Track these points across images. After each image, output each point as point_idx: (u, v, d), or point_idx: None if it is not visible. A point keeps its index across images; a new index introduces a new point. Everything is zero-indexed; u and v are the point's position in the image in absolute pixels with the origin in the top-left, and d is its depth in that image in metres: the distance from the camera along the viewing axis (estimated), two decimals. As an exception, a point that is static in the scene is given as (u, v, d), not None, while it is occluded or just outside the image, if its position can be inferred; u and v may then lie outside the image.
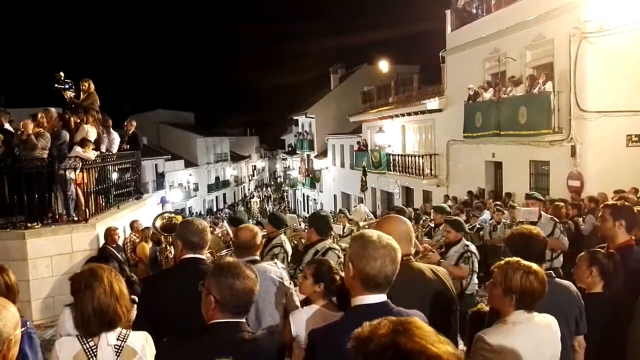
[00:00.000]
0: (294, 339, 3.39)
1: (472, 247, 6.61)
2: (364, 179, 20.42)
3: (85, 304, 2.64)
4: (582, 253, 4.25)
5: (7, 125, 9.90)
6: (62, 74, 10.99)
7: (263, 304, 3.89)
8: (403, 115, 25.45)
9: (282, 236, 6.39)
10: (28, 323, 3.32)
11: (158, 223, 7.48)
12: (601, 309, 3.82)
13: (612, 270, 4.00)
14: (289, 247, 6.31)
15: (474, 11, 19.77)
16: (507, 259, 3.12)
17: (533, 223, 6.98)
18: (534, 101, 14.83)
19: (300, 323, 3.37)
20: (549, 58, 15.28)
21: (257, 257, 4.23)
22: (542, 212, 7.62)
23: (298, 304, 4.00)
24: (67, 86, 11.00)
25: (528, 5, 15.76)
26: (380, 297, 2.50)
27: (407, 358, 1.45)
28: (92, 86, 11.55)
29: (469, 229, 11.98)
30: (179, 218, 7.86)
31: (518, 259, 3.06)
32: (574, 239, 9.45)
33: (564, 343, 3.21)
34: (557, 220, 7.51)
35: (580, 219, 9.92)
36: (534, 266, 2.99)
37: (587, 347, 3.73)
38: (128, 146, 13.24)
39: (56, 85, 10.86)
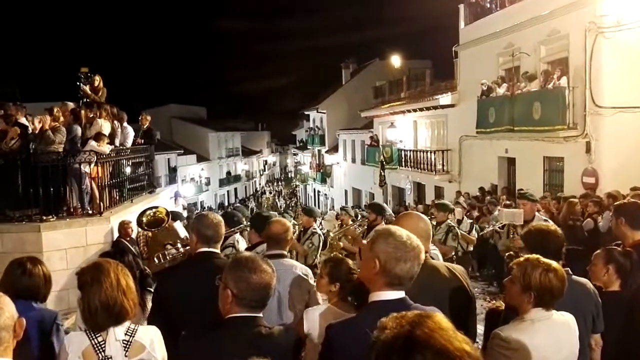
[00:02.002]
0: (306, 336, 3.39)
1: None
2: (382, 173, 20.33)
3: (92, 298, 2.64)
4: (598, 250, 4.22)
5: (22, 120, 9.98)
6: (87, 69, 11.16)
7: (287, 298, 3.90)
8: (415, 110, 25.33)
9: (237, 235, 6.28)
10: (58, 316, 3.40)
11: (144, 220, 7.50)
12: (618, 307, 3.78)
13: (629, 269, 3.97)
14: (242, 246, 6.23)
15: (488, 5, 19.62)
16: (526, 255, 3.10)
17: (526, 224, 6.42)
18: (548, 97, 14.69)
19: (313, 320, 3.37)
20: (564, 53, 15.13)
21: (285, 252, 4.23)
22: (536, 213, 6.92)
23: (320, 301, 4.00)
24: (88, 80, 11.19)
25: (543, 0, 15.63)
26: (400, 294, 2.50)
27: (416, 348, 1.46)
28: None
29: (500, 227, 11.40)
30: (162, 211, 7.92)
31: (537, 256, 3.03)
32: (591, 236, 9.39)
33: (580, 341, 3.18)
34: (552, 222, 6.53)
35: (600, 217, 9.80)
36: (554, 264, 2.97)
37: (604, 346, 3.70)
38: (142, 140, 13.30)
39: (82, 80, 11.05)
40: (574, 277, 3.65)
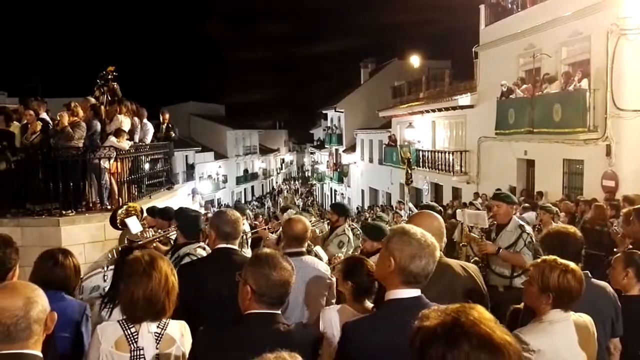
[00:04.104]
0: (322, 335, 3.39)
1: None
2: (409, 171, 20.41)
3: (137, 289, 2.66)
4: (618, 254, 4.18)
5: (44, 115, 10.10)
6: (113, 68, 11.34)
7: (310, 294, 3.91)
8: (434, 110, 25.26)
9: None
10: (87, 307, 3.48)
11: (117, 219, 7.45)
12: (638, 311, 3.74)
13: (649, 273, 3.92)
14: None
15: (509, 6, 19.48)
16: (543, 257, 3.09)
17: (500, 228, 5.81)
18: (569, 99, 14.58)
19: (328, 320, 3.37)
20: (585, 55, 14.99)
21: (304, 249, 4.25)
22: (513, 217, 6.08)
23: None
24: (115, 78, 11.40)
25: (565, 1, 15.47)
26: (416, 292, 2.51)
27: (462, 335, 1.52)
28: None
29: None
30: (135, 206, 7.93)
31: (555, 257, 3.02)
32: (609, 240, 9.27)
33: (599, 345, 3.16)
34: (525, 230, 5.77)
35: (616, 220, 9.67)
36: (572, 265, 2.95)
37: (623, 350, 3.66)
38: (166, 136, 13.49)
39: (109, 77, 11.22)
40: (593, 280, 3.62)
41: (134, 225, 6.73)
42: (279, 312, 2.66)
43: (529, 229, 5.85)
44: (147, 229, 6.75)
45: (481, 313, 1.60)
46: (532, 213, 11.79)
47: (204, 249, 4.84)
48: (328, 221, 7.78)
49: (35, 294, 2.17)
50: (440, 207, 9.49)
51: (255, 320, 2.59)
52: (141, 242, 5.98)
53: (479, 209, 11.36)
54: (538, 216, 9.89)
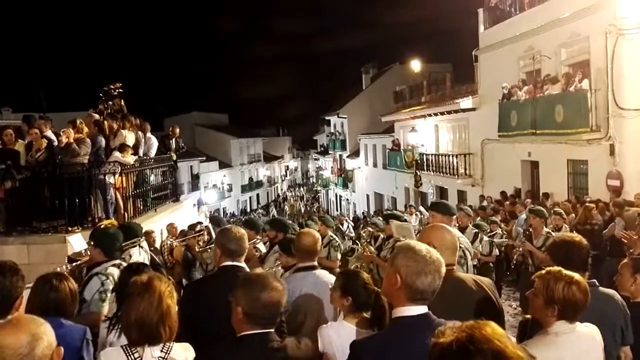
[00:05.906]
0: (322, 354, 3.33)
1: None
2: (417, 173, 20.40)
3: (130, 312, 2.66)
4: (625, 260, 4.15)
5: (48, 133, 10.14)
6: (119, 84, 11.43)
7: (325, 310, 3.87)
8: (436, 114, 25.27)
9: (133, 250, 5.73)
10: (87, 331, 3.42)
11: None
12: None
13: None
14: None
15: (507, 9, 19.51)
16: (548, 268, 3.08)
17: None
18: (570, 99, 14.58)
19: (327, 338, 3.33)
20: (584, 55, 15.00)
21: (316, 263, 4.19)
22: (469, 225, 5.48)
23: None
24: (120, 95, 11.48)
25: (563, 2, 15.50)
26: (422, 309, 2.51)
27: (476, 351, 1.58)
28: None
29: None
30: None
31: (559, 268, 3.00)
32: (599, 239, 9.30)
33: (609, 354, 3.14)
34: (460, 234, 5.13)
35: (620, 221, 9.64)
36: (576, 276, 2.94)
37: (634, 358, 3.62)
38: (177, 150, 13.63)
39: (115, 94, 11.31)
40: (600, 288, 3.58)
41: (77, 243, 6.61)
42: (272, 330, 2.69)
43: (463, 240, 5.12)
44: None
45: (494, 329, 1.66)
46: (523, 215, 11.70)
47: (119, 267, 4.49)
48: (267, 239, 7.19)
49: (40, 330, 2.11)
50: (404, 217, 9.14)
51: (248, 341, 2.63)
52: (81, 262, 5.86)
53: (469, 215, 10.44)
54: (527, 220, 9.17)
